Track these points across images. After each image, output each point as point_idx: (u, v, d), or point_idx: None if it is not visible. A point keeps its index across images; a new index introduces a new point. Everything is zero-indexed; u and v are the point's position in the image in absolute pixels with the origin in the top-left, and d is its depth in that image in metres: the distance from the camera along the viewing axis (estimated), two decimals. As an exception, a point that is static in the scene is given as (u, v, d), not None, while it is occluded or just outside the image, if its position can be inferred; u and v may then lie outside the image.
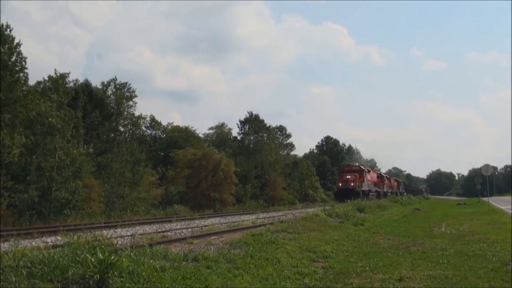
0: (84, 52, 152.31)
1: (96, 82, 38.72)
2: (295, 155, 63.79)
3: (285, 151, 62.94)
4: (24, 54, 20.76)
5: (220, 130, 57.12)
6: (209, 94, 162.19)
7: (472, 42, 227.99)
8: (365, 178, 42.31)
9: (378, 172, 58.13)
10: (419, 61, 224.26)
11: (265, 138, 56.14)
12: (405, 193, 68.26)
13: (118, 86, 41.58)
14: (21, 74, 20.51)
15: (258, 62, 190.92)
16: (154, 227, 15.65)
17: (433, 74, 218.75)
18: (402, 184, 75.73)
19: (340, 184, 41.18)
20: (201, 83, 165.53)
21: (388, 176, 64.38)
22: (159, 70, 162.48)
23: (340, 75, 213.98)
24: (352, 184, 39.41)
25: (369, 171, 46.88)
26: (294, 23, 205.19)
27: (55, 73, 26.03)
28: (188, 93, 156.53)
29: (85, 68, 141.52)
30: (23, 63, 20.43)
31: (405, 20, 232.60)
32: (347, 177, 40.42)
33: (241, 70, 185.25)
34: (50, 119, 20.69)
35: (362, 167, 44.59)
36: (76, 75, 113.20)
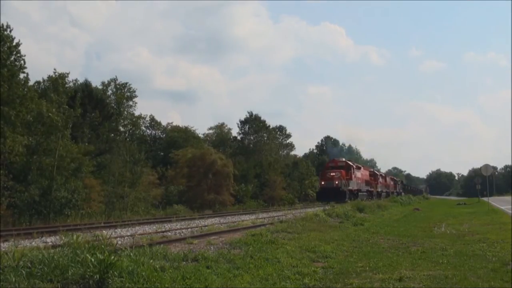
0: (82, 52, 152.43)
1: (95, 83, 38.75)
2: (295, 155, 63.91)
3: (285, 151, 63.05)
4: (24, 55, 20.80)
5: (220, 130, 57.17)
6: (208, 94, 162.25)
7: (470, 42, 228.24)
8: (353, 176, 37.68)
9: (371, 170, 53.67)
10: (418, 61, 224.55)
11: (265, 138, 56.24)
12: (402, 193, 65.37)
13: (118, 86, 41.65)
14: (22, 75, 20.50)
15: (257, 62, 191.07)
16: (154, 227, 15.63)
17: (431, 74, 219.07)
18: (399, 184, 72.15)
19: (323, 183, 36.18)
20: (199, 83, 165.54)
21: (383, 175, 60.79)
22: (157, 70, 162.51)
23: (338, 75, 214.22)
24: (336, 182, 34.43)
25: (359, 168, 42.27)
26: (292, 23, 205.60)
27: (54, 73, 26.03)
28: (187, 93, 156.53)
29: (84, 68, 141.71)
30: (22, 61, 20.40)
31: (403, 20, 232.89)
32: (331, 174, 35.46)
33: (239, 70, 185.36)
34: (55, 117, 20.67)
35: (349, 162, 39.73)
36: (75, 75, 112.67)
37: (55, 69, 28.86)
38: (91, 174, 25.43)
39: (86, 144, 24.56)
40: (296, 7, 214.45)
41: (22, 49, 20.62)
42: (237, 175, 39.63)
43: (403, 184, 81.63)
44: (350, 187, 36.21)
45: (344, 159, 41.09)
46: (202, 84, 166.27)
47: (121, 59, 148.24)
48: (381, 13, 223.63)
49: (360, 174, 41.62)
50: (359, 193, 38.68)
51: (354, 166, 39.74)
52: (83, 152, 23.55)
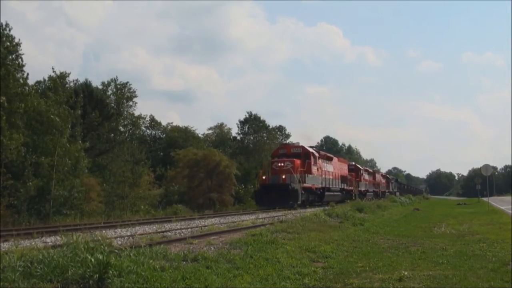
0: (80, 53, 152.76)
1: (94, 83, 38.65)
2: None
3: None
4: (22, 54, 20.79)
5: (220, 130, 57.22)
6: (206, 95, 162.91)
7: (468, 42, 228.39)
8: (313, 168, 26.33)
9: (352, 163, 42.46)
10: (415, 62, 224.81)
11: (265, 138, 56.27)
12: (397, 193, 59.12)
13: (118, 86, 41.62)
14: (20, 74, 20.45)
15: (254, 63, 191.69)
16: (154, 227, 15.59)
17: (429, 74, 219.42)
18: (393, 182, 64.51)
19: (264, 177, 24.86)
20: (197, 83, 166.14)
21: (370, 170, 50.31)
22: (155, 70, 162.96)
23: (336, 75, 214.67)
24: (283, 177, 23.63)
25: (329, 159, 30.82)
26: (289, 24, 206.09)
27: (54, 73, 26.07)
28: (185, 93, 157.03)
29: (82, 68, 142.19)
30: (20, 60, 20.37)
31: (401, 21, 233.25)
32: (279, 165, 24.54)
33: (236, 71, 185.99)
34: (52, 116, 20.65)
35: (309, 149, 27.44)
36: (74, 76, 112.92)
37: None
38: (90, 173, 25.41)
39: (85, 142, 24.45)
40: (292, 8, 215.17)
41: (21, 49, 20.64)
42: (238, 176, 39.61)
43: (398, 182, 74.52)
44: (308, 184, 25.26)
45: (301, 144, 28.40)
46: (200, 85, 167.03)
47: (119, 59, 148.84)
48: (378, 13, 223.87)
49: (332, 167, 30.89)
50: (326, 193, 28.44)
51: (317, 155, 28.15)
52: (80, 148, 23.50)
